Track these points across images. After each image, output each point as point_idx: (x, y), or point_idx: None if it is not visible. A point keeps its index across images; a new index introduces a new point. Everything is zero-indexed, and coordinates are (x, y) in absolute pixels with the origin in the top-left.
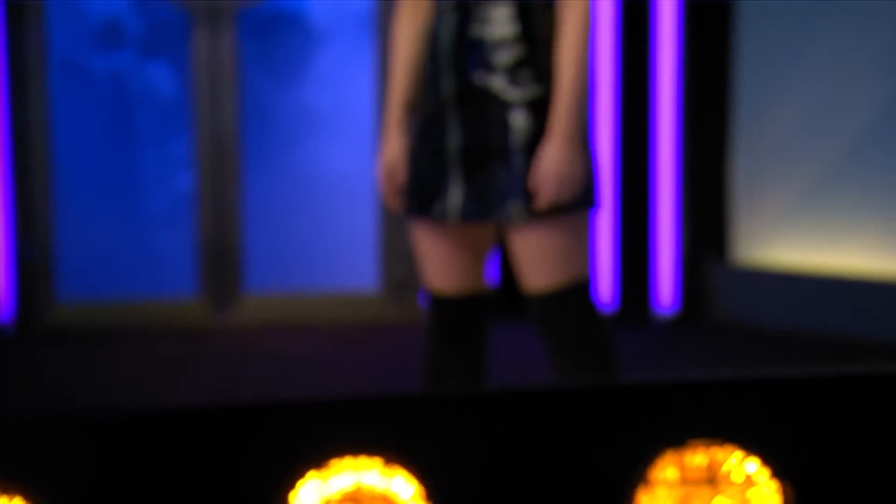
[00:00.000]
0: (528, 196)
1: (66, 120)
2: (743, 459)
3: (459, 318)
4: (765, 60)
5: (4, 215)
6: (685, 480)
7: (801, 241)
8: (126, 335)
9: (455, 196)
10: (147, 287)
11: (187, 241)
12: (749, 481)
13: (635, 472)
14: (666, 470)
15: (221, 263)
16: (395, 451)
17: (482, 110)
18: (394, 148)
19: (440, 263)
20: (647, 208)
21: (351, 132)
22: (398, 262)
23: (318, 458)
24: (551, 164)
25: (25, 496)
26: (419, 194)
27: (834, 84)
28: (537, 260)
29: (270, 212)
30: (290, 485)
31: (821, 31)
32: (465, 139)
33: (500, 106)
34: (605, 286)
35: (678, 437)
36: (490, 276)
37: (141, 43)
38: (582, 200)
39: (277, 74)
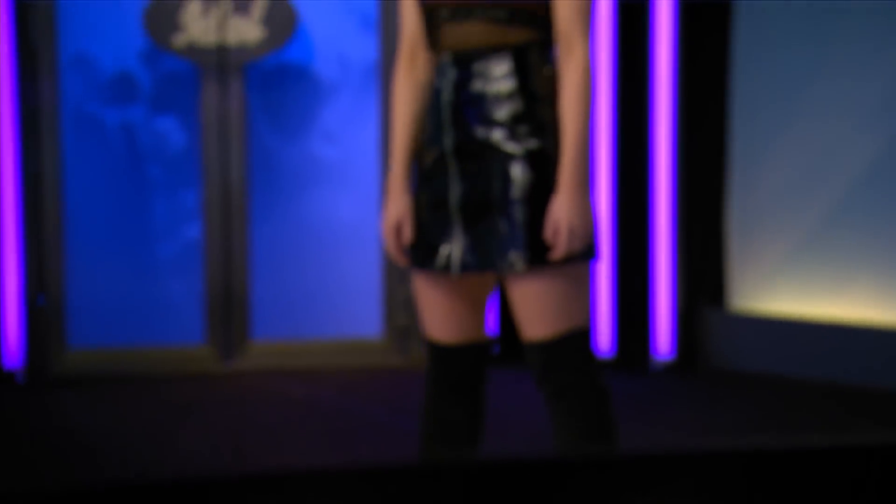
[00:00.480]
0: (528, 246)
1: (78, 170)
2: None
3: (458, 366)
4: (757, 115)
5: (17, 262)
6: None
7: (794, 290)
8: (135, 381)
9: (456, 248)
10: (156, 334)
11: (195, 289)
12: None
13: None
14: None
15: (229, 311)
16: None
17: (482, 163)
18: (399, 205)
19: (440, 313)
20: (645, 257)
21: (356, 183)
22: (401, 310)
23: None
24: (563, 216)
25: None
26: (421, 247)
27: (825, 139)
28: (537, 309)
29: (277, 260)
30: None
31: (812, 89)
32: (466, 191)
33: (500, 158)
34: (604, 333)
35: None
36: (489, 324)
37: (151, 96)
38: (582, 252)
39: (284, 126)
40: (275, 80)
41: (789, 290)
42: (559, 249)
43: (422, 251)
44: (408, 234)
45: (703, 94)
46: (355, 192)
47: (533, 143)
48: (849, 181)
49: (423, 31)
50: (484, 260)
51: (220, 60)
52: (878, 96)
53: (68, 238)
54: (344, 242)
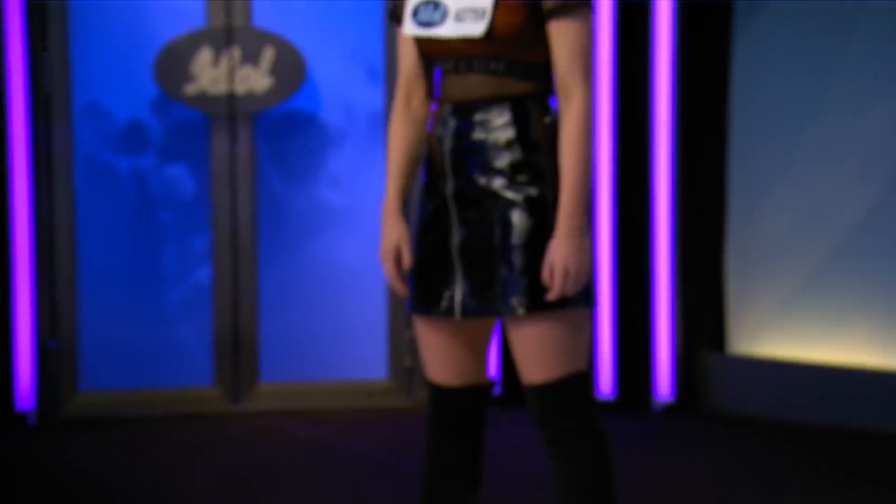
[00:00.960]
0: (528, 291)
1: (90, 216)
2: None
3: (458, 409)
4: (754, 160)
5: (30, 305)
6: None
7: (792, 334)
8: (144, 422)
9: (457, 293)
10: (165, 376)
11: (204, 331)
12: None
13: None
14: None
15: (237, 353)
16: None
17: (483, 210)
18: (396, 231)
19: (441, 357)
20: (646, 300)
21: (362, 228)
22: (406, 352)
23: None
24: (559, 258)
25: None
26: (423, 293)
27: (821, 185)
28: (536, 353)
29: (284, 304)
30: None
31: (807, 135)
32: (467, 238)
33: (500, 205)
34: (606, 374)
35: None
36: (490, 367)
37: (162, 143)
38: (581, 297)
39: (292, 173)
40: (283, 128)
41: (787, 334)
42: (554, 291)
43: (423, 296)
44: (407, 258)
45: (701, 137)
46: (361, 237)
47: (532, 191)
48: (844, 226)
49: (423, 78)
50: (485, 305)
51: (230, 109)
52: (874, 143)
53: (80, 282)
54: (350, 286)
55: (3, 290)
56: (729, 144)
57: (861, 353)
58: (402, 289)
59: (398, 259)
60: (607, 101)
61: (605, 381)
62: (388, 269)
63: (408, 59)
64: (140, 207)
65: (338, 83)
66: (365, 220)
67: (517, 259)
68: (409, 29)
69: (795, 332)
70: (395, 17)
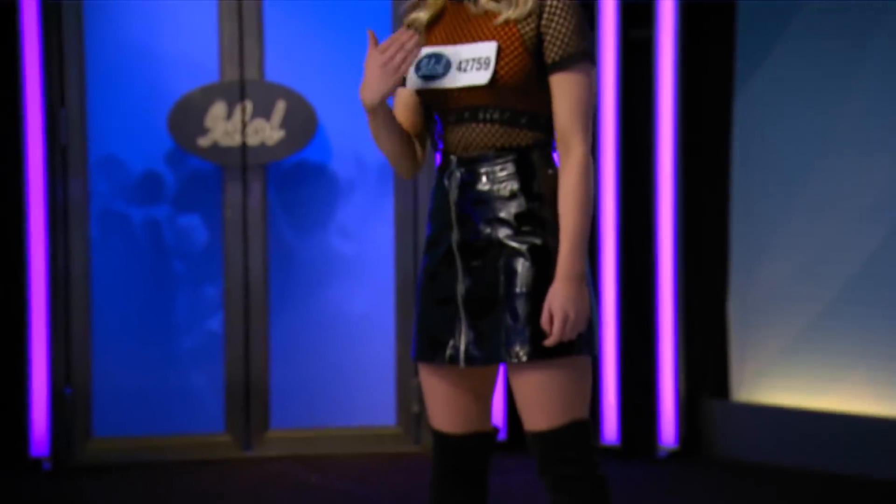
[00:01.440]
0: (531, 340)
1: (105, 265)
2: None
3: (462, 456)
4: (755, 211)
5: (45, 352)
6: None
7: (794, 381)
8: (158, 468)
9: (461, 342)
10: (178, 423)
11: (217, 379)
12: None
13: None
14: None
15: (248, 400)
16: None
17: (487, 259)
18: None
19: (445, 404)
20: (650, 347)
21: (371, 277)
22: (414, 399)
23: None
24: (558, 304)
25: None
26: (427, 341)
27: (821, 235)
28: (538, 401)
29: (295, 351)
30: None
31: (807, 186)
32: (471, 286)
33: (504, 255)
34: (610, 421)
35: None
36: (494, 414)
37: (176, 194)
38: (583, 346)
39: (302, 222)
40: (294, 179)
41: (789, 381)
42: (554, 335)
43: (428, 344)
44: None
45: (703, 187)
46: (370, 285)
47: (536, 240)
48: (844, 275)
49: (423, 127)
50: (489, 353)
51: (242, 160)
52: (873, 192)
53: (95, 329)
54: (359, 333)
55: (19, 338)
56: (731, 194)
57: (862, 401)
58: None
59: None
60: (611, 151)
61: (610, 427)
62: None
63: (402, 117)
64: (154, 257)
65: (348, 135)
66: (374, 269)
67: (521, 307)
68: (413, 83)
69: (798, 380)
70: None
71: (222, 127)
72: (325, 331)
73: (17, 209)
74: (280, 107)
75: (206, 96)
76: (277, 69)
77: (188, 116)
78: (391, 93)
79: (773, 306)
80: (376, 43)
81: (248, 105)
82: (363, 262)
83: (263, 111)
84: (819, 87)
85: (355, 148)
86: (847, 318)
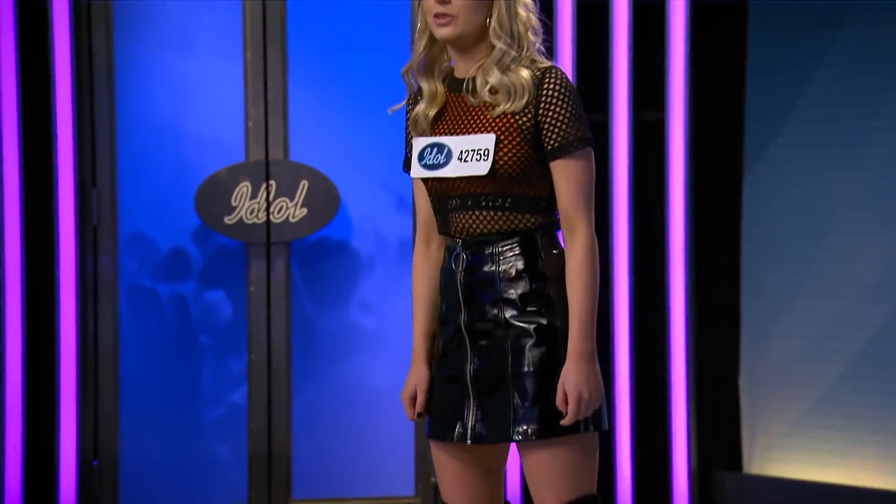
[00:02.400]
0: (539, 418)
1: (132, 339)
2: None
3: None
4: (764, 288)
5: (73, 424)
6: None
7: (804, 454)
8: None
9: (470, 420)
10: (202, 494)
11: (240, 451)
12: None
13: None
14: None
15: (271, 471)
16: None
17: (495, 339)
18: (416, 376)
19: (456, 482)
20: (664, 420)
21: (391, 350)
22: (433, 470)
23: None
24: (572, 385)
25: None
26: (439, 420)
27: (829, 311)
28: (547, 477)
29: (316, 423)
30: None
31: (813, 266)
32: (479, 366)
33: (512, 334)
34: (624, 493)
35: None
36: (507, 490)
37: (202, 271)
38: (591, 422)
39: (324, 297)
40: (317, 255)
41: (800, 454)
42: (570, 416)
43: (439, 422)
44: (422, 401)
45: (714, 265)
46: (390, 358)
47: (542, 320)
48: (852, 351)
49: (434, 217)
50: (497, 432)
51: (267, 238)
52: (881, 269)
53: (122, 402)
54: (379, 405)
55: (48, 409)
56: (741, 270)
57: (872, 475)
58: (413, 417)
59: (413, 402)
60: (624, 229)
61: (624, 499)
62: (405, 406)
63: (423, 202)
64: (180, 331)
65: (369, 212)
66: (394, 343)
67: (529, 386)
68: (416, 171)
69: (809, 452)
70: (406, 167)
71: (247, 205)
72: (346, 402)
73: (48, 284)
74: (303, 186)
75: (232, 176)
76: (301, 149)
77: (215, 195)
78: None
79: (784, 380)
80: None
81: (273, 184)
82: (383, 336)
83: (287, 190)
84: (825, 168)
85: (376, 225)
86: (856, 393)
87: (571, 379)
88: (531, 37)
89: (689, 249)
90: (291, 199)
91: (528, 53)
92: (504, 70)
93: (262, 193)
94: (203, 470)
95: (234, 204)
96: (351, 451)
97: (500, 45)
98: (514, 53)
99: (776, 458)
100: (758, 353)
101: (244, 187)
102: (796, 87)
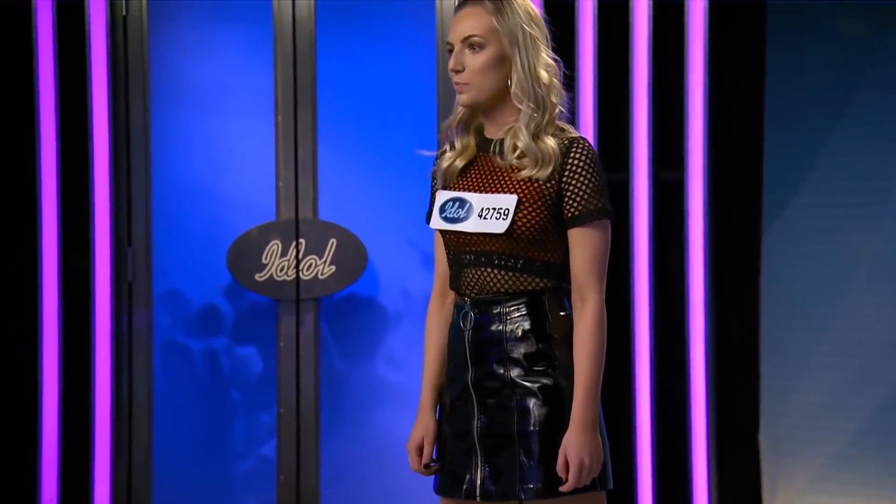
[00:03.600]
0: (545, 477)
1: (165, 393)
2: None
3: None
4: (784, 346)
5: (107, 478)
6: None
7: None
8: None
9: (477, 476)
10: None
11: (269, 502)
12: None
13: None
14: None
15: None
16: None
17: (501, 397)
18: (422, 427)
19: None
20: (685, 476)
21: (416, 404)
22: None
23: None
24: (574, 452)
25: None
26: (447, 475)
27: (848, 366)
28: None
29: (344, 475)
30: None
31: (831, 324)
32: (486, 424)
33: (518, 393)
34: None
35: None
36: None
37: (233, 326)
38: (596, 482)
39: (352, 352)
40: (345, 311)
41: None
42: (570, 483)
43: (447, 478)
44: (427, 454)
45: (734, 321)
46: (415, 412)
47: (547, 380)
48: (870, 407)
49: (445, 268)
50: (504, 489)
51: (296, 294)
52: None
53: (155, 454)
54: (405, 457)
55: (83, 463)
56: (760, 328)
57: None
58: (421, 471)
59: (420, 452)
60: (645, 287)
61: None
62: (411, 459)
63: (442, 256)
64: (212, 385)
65: (395, 270)
66: (419, 396)
67: (534, 445)
68: (436, 223)
69: None
70: (428, 219)
71: (278, 263)
72: (374, 454)
73: (84, 339)
74: (332, 244)
75: (263, 234)
76: (330, 208)
77: (246, 253)
78: None
79: (803, 436)
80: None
81: (303, 242)
82: (410, 390)
83: (317, 248)
84: (842, 227)
85: (402, 282)
86: (875, 448)
87: (573, 446)
88: (553, 99)
89: (709, 307)
90: (320, 257)
91: (551, 117)
92: (533, 136)
93: (291, 251)
94: None
95: (264, 261)
96: (378, 501)
97: (523, 108)
98: (538, 118)
99: None
100: (778, 408)
101: (275, 245)
102: (814, 147)
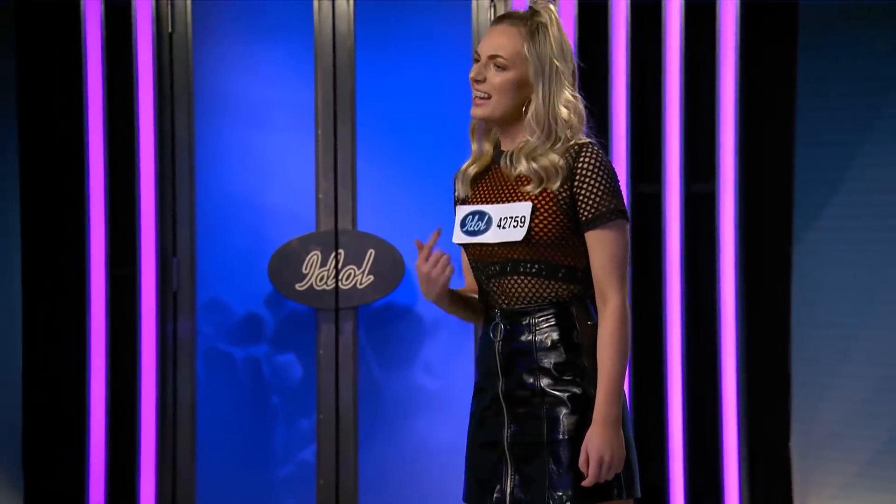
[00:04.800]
0: (574, 484)
1: (209, 399)
2: None
3: None
4: (816, 356)
5: (153, 481)
6: None
7: None
8: None
9: (507, 485)
10: None
11: None
12: None
13: None
14: None
15: None
16: None
17: (531, 406)
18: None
19: None
20: (718, 487)
21: (453, 411)
22: None
23: None
24: (594, 448)
25: None
26: (476, 484)
27: (875, 380)
28: None
29: (383, 479)
30: None
31: (861, 334)
32: (517, 433)
33: (547, 402)
34: None
35: None
36: None
37: (274, 335)
38: (622, 489)
39: (390, 360)
40: (383, 320)
41: None
42: (590, 478)
43: (477, 487)
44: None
45: (764, 331)
46: (453, 418)
47: (576, 389)
48: None
49: (474, 284)
50: (533, 497)
51: (336, 303)
52: None
53: (199, 458)
54: (442, 462)
55: (129, 465)
56: (791, 339)
57: None
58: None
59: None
60: (677, 298)
61: None
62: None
63: (469, 273)
64: (253, 391)
65: None
66: (456, 403)
67: (563, 453)
68: (458, 237)
69: None
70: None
71: (317, 273)
72: (411, 459)
73: (131, 347)
74: (370, 254)
75: (304, 245)
76: (368, 220)
77: (287, 263)
78: (443, 292)
79: (834, 443)
80: (422, 249)
81: (342, 253)
82: (446, 396)
83: (355, 258)
84: (871, 239)
85: None
86: None
87: (595, 443)
88: (567, 133)
89: (740, 317)
90: (359, 267)
91: (559, 144)
92: (531, 159)
93: (331, 261)
94: None
95: (304, 271)
96: None
97: (532, 138)
98: (541, 146)
99: None
100: (809, 416)
101: (314, 256)
102: (844, 159)
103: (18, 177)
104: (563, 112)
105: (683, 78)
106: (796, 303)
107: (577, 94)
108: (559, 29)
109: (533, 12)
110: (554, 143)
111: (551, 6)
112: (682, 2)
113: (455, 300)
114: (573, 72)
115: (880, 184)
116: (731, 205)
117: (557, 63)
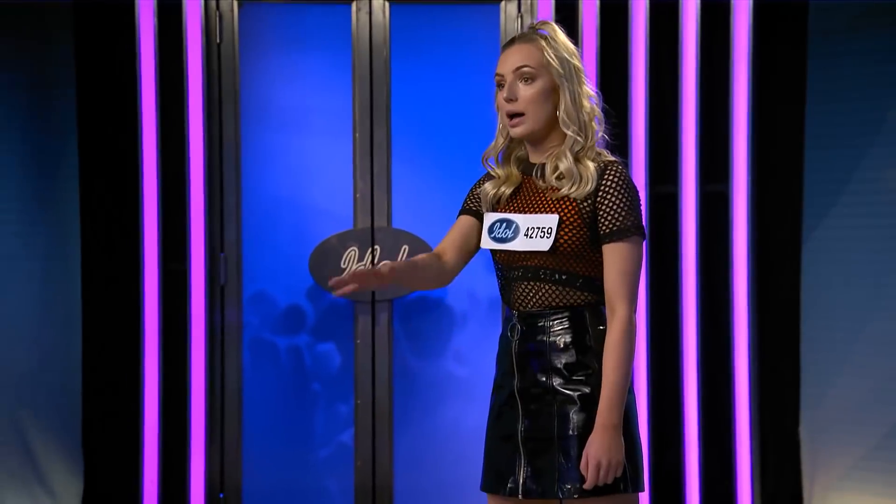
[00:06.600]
0: (581, 478)
1: (254, 386)
2: None
3: None
4: (823, 347)
5: (202, 461)
6: None
7: (861, 498)
8: None
9: (520, 476)
10: None
11: (347, 485)
12: None
13: None
14: None
15: (375, 503)
16: None
17: (543, 404)
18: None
19: None
20: (730, 470)
21: (482, 397)
22: None
23: None
24: (594, 452)
25: None
26: (493, 474)
27: (882, 369)
28: None
29: (416, 461)
30: None
31: (868, 326)
32: (530, 427)
33: (558, 400)
34: None
35: None
36: None
37: (314, 325)
38: (628, 483)
39: (423, 349)
40: (416, 311)
41: (857, 497)
42: (590, 481)
43: (493, 477)
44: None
45: (775, 323)
46: (482, 403)
47: (585, 388)
48: None
49: (459, 250)
50: (543, 488)
51: (372, 296)
52: None
53: (245, 441)
54: (471, 444)
55: (180, 449)
56: (801, 332)
57: None
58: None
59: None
60: (692, 293)
61: None
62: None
63: (454, 234)
64: (295, 378)
65: (462, 273)
66: (485, 390)
67: (572, 448)
68: (486, 243)
69: (865, 496)
70: (464, 209)
71: (355, 267)
72: (443, 441)
73: (181, 337)
74: (405, 250)
75: (342, 241)
76: (403, 217)
77: (326, 258)
78: (391, 282)
79: (841, 429)
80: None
81: (378, 248)
82: (475, 384)
83: (390, 254)
84: (878, 237)
85: (469, 285)
86: None
87: (594, 447)
88: (595, 125)
89: (752, 310)
90: (395, 261)
91: (592, 143)
92: (574, 159)
93: (367, 257)
94: (315, 501)
95: (343, 266)
96: (447, 485)
97: (569, 133)
98: (581, 142)
99: (835, 498)
100: (817, 403)
101: (352, 251)
102: (852, 161)
103: (78, 178)
104: (587, 105)
105: (699, 85)
106: (806, 296)
107: (597, 91)
108: (563, 34)
109: (536, 27)
110: (586, 139)
111: (548, 21)
112: (698, 3)
113: (408, 278)
114: (584, 70)
115: (887, 184)
116: (744, 204)
117: (574, 62)
